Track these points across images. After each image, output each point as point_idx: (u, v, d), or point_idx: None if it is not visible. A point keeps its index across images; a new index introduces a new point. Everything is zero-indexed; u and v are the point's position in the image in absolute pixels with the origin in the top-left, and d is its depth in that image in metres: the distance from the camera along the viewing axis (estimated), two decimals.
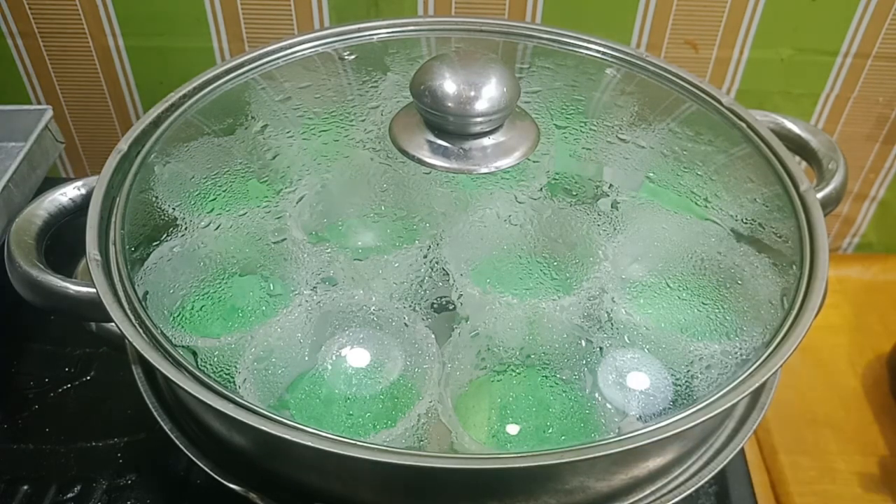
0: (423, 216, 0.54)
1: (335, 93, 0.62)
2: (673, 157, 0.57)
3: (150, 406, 0.44)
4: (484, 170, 0.48)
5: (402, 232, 0.55)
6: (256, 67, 0.60)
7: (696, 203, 0.57)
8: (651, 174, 0.58)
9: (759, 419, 0.44)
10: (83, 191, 0.49)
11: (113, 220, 0.47)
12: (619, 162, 0.56)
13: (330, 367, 0.45)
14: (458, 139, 0.48)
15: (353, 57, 0.61)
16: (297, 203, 0.50)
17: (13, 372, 0.57)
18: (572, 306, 0.45)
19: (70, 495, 0.49)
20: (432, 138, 0.48)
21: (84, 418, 0.54)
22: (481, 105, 0.45)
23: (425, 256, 0.51)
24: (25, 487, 0.49)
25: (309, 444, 0.33)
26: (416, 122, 0.49)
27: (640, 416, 0.39)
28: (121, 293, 0.42)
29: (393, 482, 0.38)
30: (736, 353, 0.44)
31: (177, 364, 0.39)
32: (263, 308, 0.49)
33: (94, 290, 0.41)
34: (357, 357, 0.46)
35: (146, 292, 0.44)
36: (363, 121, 0.61)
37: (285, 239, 0.48)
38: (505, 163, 0.48)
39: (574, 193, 0.62)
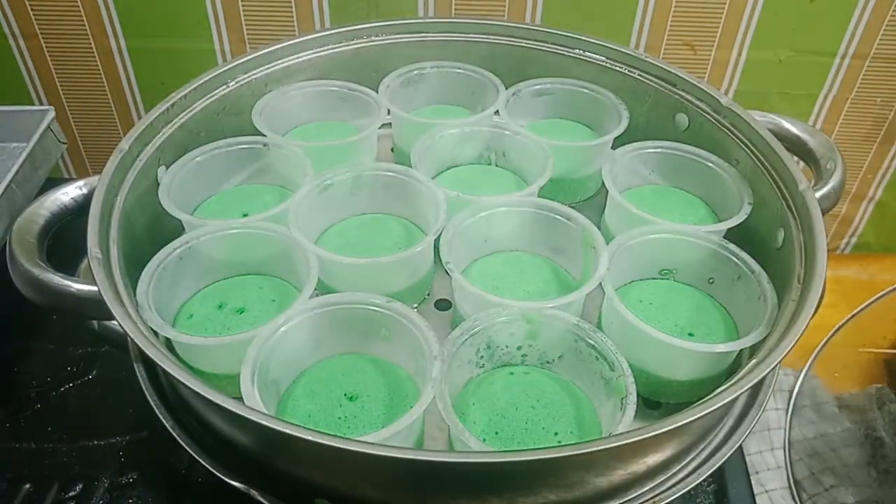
0: (423, 216, 0.54)
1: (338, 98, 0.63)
2: (673, 159, 0.58)
3: (152, 404, 0.44)
4: None
5: (403, 232, 0.55)
6: (258, 68, 0.60)
7: (694, 203, 0.58)
8: (652, 175, 0.59)
9: (758, 417, 0.44)
10: (85, 190, 0.49)
11: (114, 219, 0.47)
12: (619, 164, 0.56)
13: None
14: None
15: None
16: (298, 204, 0.51)
17: (15, 371, 0.57)
18: (570, 306, 0.46)
19: (72, 494, 0.49)
20: None
21: (86, 417, 0.54)
22: None
23: (426, 256, 0.52)
24: (27, 486, 0.49)
25: (311, 439, 0.33)
26: None
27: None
28: (122, 291, 0.42)
29: (393, 478, 0.38)
30: (734, 350, 0.44)
31: (179, 361, 0.39)
32: (265, 308, 0.49)
33: (95, 288, 0.41)
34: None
35: (148, 290, 0.45)
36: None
37: (286, 240, 0.49)
38: None
39: (573, 195, 0.62)
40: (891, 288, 0.68)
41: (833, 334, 0.67)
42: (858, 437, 0.60)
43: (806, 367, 0.66)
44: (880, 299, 0.68)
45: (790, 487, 0.49)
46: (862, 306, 0.68)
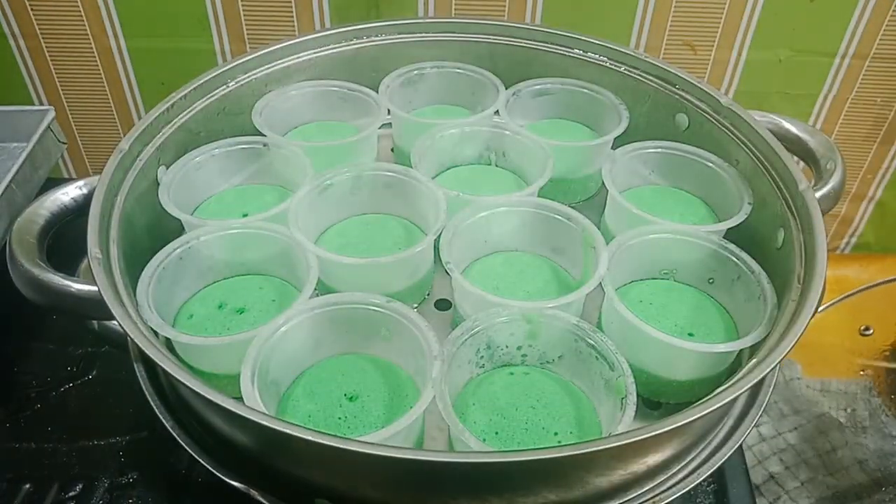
0: (423, 216, 0.54)
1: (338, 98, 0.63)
2: (673, 159, 0.58)
3: (152, 404, 0.44)
4: None
5: (403, 232, 0.55)
6: (258, 68, 0.60)
7: (694, 203, 0.58)
8: (652, 175, 0.59)
9: (758, 416, 0.44)
10: (85, 190, 0.49)
11: (114, 219, 0.47)
12: (619, 164, 0.56)
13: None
14: None
15: None
16: (298, 204, 0.51)
17: (15, 371, 0.57)
18: (570, 306, 0.46)
19: (72, 494, 0.49)
20: None
21: (86, 417, 0.54)
22: None
23: (426, 256, 0.52)
24: (27, 486, 0.49)
25: (311, 439, 0.33)
26: None
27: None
28: (122, 291, 0.42)
29: (393, 478, 0.38)
30: (734, 350, 0.44)
31: (179, 361, 0.39)
32: (265, 308, 0.49)
33: (95, 288, 0.41)
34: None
35: (148, 290, 0.45)
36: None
37: (286, 240, 0.49)
38: None
39: (573, 195, 0.62)
40: (880, 281, 0.68)
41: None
42: (839, 423, 0.60)
43: None
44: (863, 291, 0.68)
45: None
46: (834, 300, 0.68)
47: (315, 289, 0.46)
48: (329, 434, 0.34)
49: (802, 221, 0.47)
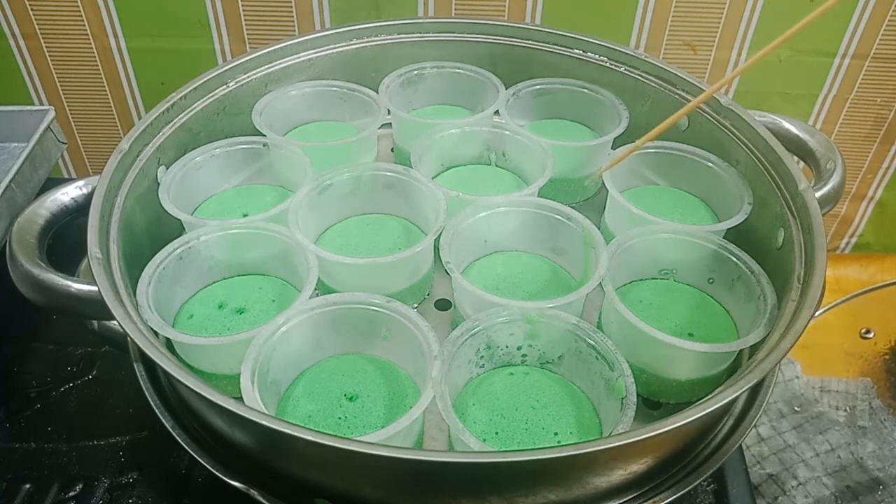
0: (423, 216, 0.54)
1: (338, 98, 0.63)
2: (673, 159, 0.58)
3: (152, 404, 0.44)
4: None
5: (403, 232, 0.55)
6: (258, 68, 0.60)
7: (694, 203, 0.58)
8: (652, 175, 0.59)
9: (758, 417, 0.44)
10: (85, 190, 0.49)
11: (114, 219, 0.47)
12: (618, 164, 0.56)
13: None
14: None
15: None
16: (298, 204, 0.51)
17: (15, 371, 0.57)
18: (570, 306, 0.46)
19: (72, 494, 0.49)
20: None
21: (86, 417, 0.54)
22: None
23: (426, 256, 0.52)
24: (27, 486, 0.49)
25: (311, 439, 0.33)
26: None
27: None
28: (122, 291, 0.42)
29: (393, 478, 0.38)
30: (734, 350, 0.44)
31: (179, 361, 0.39)
32: (265, 308, 0.49)
33: (95, 288, 0.41)
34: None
35: (148, 290, 0.45)
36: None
37: (286, 240, 0.49)
38: None
39: (573, 195, 0.62)
40: (881, 284, 0.68)
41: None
42: (838, 422, 0.60)
43: None
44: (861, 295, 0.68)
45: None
46: (834, 303, 0.68)
47: (315, 289, 0.46)
48: (329, 434, 0.34)
49: (802, 221, 0.47)
